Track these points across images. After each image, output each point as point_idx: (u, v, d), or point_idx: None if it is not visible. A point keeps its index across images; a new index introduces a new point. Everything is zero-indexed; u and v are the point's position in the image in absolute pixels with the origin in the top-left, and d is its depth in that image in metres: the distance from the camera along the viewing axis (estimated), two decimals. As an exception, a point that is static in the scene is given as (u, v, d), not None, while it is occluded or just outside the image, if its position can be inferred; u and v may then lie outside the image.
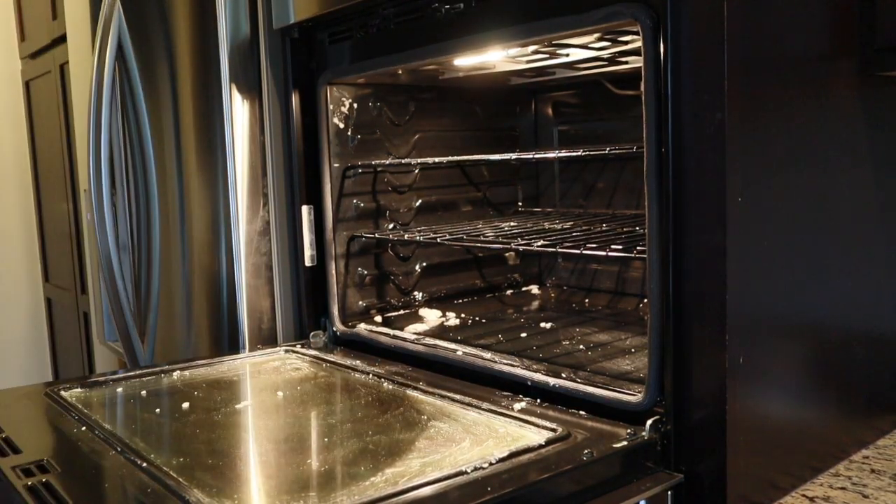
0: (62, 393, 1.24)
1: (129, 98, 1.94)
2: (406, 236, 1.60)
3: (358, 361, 1.42)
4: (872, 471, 1.07)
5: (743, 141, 0.92)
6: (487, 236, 1.49)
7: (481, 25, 1.19)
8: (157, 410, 1.25)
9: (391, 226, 1.70)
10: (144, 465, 0.94)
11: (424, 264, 1.76)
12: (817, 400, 1.10)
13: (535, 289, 1.95)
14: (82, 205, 2.37)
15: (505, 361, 1.25)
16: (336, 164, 1.59)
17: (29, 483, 0.90)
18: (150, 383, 1.35)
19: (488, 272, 1.89)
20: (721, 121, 0.90)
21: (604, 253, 1.19)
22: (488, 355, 1.29)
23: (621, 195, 1.78)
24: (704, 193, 0.93)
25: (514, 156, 1.67)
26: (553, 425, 1.03)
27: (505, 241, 1.40)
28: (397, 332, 1.49)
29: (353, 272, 1.64)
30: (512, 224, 1.70)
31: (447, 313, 1.68)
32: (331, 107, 1.56)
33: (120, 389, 1.31)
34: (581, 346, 1.38)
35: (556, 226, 1.61)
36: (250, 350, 1.56)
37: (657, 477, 0.98)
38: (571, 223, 1.64)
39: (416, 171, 1.74)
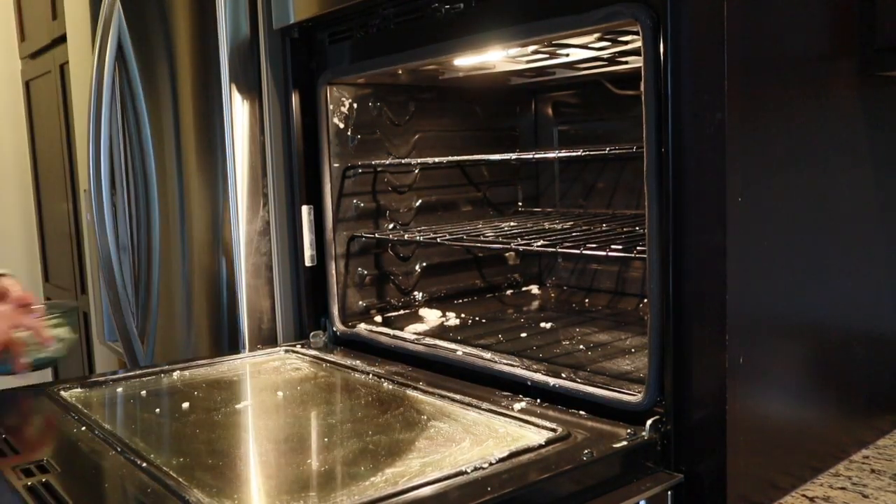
0: (62, 393, 1.24)
1: (129, 98, 1.94)
2: (406, 236, 1.60)
3: (358, 361, 1.42)
4: (872, 471, 1.07)
5: (743, 141, 0.92)
6: (487, 236, 1.49)
7: (481, 25, 1.19)
8: (157, 410, 1.25)
9: (391, 226, 1.70)
10: (144, 465, 0.94)
11: (424, 264, 1.76)
12: (817, 400, 1.10)
13: (535, 289, 1.94)
14: (82, 205, 2.37)
15: (505, 361, 1.25)
16: (336, 164, 1.59)
17: (29, 483, 0.90)
18: (150, 383, 1.35)
19: (488, 272, 1.89)
20: (721, 121, 0.90)
21: (604, 253, 1.19)
22: (488, 355, 1.29)
23: (621, 195, 1.78)
24: (704, 193, 0.93)
25: (514, 156, 1.67)
26: (553, 425, 1.03)
27: (505, 241, 1.40)
28: (397, 332, 1.49)
29: (353, 272, 1.64)
30: (512, 224, 1.70)
31: (447, 313, 1.68)
32: (331, 107, 1.56)
33: (120, 389, 1.31)
34: (581, 346, 1.38)
35: (556, 226, 1.61)
36: (250, 350, 1.56)
37: (657, 477, 0.98)
38: (571, 223, 1.64)
39: (416, 171, 1.74)
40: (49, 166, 3.08)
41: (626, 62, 1.44)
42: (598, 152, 1.37)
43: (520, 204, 1.97)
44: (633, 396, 1.04)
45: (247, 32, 1.57)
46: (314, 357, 1.47)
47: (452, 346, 1.36)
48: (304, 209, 1.57)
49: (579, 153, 1.42)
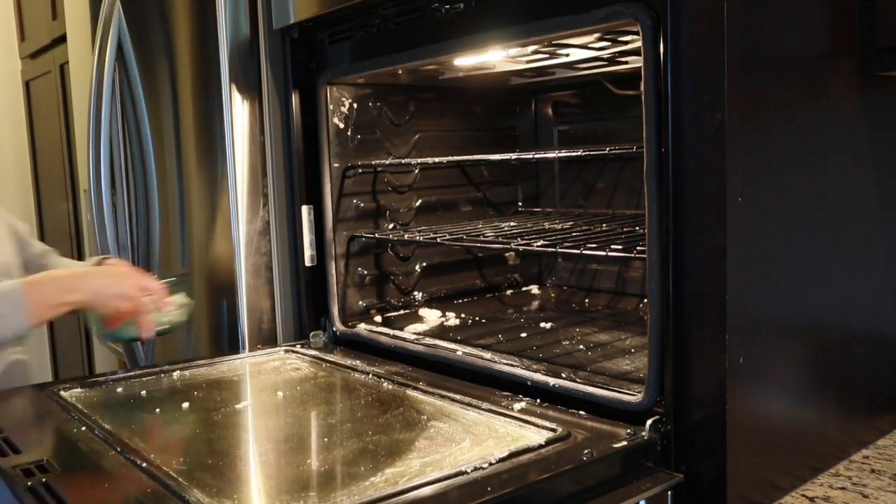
0: (62, 393, 1.24)
1: (129, 98, 1.94)
2: (406, 236, 1.60)
3: (358, 361, 1.42)
4: (872, 471, 1.07)
5: (743, 141, 0.92)
6: (487, 236, 1.49)
7: (481, 25, 1.19)
8: (157, 410, 1.25)
9: (391, 226, 1.70)
10: (144, 465, 0.94)
11: (424, 264, 1.76)
12: (817, 400, 1.10)
13: (535, 289, 1.94)
14: (82, 205, 2.37)
15: (505, 361, 1.25)
16: (336, 164, 1.59)
17: (29, 483, 0.90)
18: (150, 383, 1.35)
19: (488, 272, 1.89)
20: (721, 121, 0.90)
21: (604, 253, 1.19)
22: (488, 355, 1.29)
23: (621, 195, 1.78)
24: (704, 193, 0.93)
25: (514, 156, 1.67)
26: (553, 425, 1.03)
27: (505, 241, 1.40)
28: (397, 332, 1.49)
29: (353, 272, 1.64)
30: (512, 224, 1.70)
31: (447, 313, 1.68)
32: (331, 107, 1.56)
33: (120, 389, 1.31)
34: (581, 346, 1.38)
35: (556, 226, 1.61)
36: (250, 350, 1.56)
37: (657, 477, 0.97)
38: (571, 223, 1.64)
39: (416, 171, 1.74)
40: (49, 166, 3.08)
41: (626, 62, 1.44)
42: (598, 152, 1.37)
43: (520, 204, 1.97)
44: (633, 396, 1.04)
45: (247, 32, 1.57)
46: (314, 357, 1.47)
47: (452, 346, 1.36)
48: (304, 209, 1.57)
49: (579, 153, 1.42)
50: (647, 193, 0.98)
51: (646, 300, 1.06)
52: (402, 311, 1.70)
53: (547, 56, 1.38)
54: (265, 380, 1.38)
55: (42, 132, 3.13)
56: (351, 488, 0.90)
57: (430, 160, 1.68)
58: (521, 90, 1.91)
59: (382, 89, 1.66)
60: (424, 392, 1.22)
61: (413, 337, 1.45)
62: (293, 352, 1.51)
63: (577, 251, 1.24)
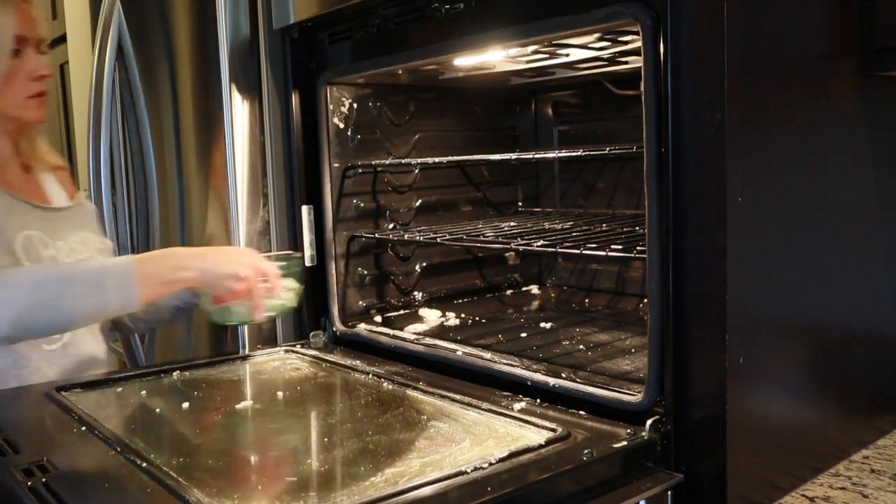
0: (62, 393, 1.24)
1: (129, 98, 1.94)
2: (406, 236, 1.60)
3: (358, 361, 1.42)
4: (872, 471, 1.07)
5: (743, 141, 0.92)
6: (487, 236, 1.49)
7: (481, 25, 1.19)
8: (157, 410, 1.25)
9: (391, 226, 1.70)
10: (144, 465, 0.94)
11: (424, 264, 1.76)
12: (817, 400, 1.10)
13: (535, 289, 1.94)
14: (82, 205, 2.37)
15: (505, 361, 1.25)
16: (336, 164, 1.59)
17: (29, 483, 0.90)
18: (150, 383, 1.35)
19: (488, 272, 1.89)
20: (721, 121, 0.90)
21: (604, 253, 1.19)
22: (488, 355, 1.29)
23: (621, 195, 1.78)
24: (704, 193, 0.93)
25: (514, 156, 1.67)
26: (553, 425, 1.03)
27: (505, 241, 1.40)
28: (397, 332, 1.49)
29: (353, 272, 1.64)
30: (512, 224, 1.70)
31: (447, 313, 1.68)
32: (331, 107, 1.56)
33: (120, 389, 1.31)
34: (581, 346, 1.38)
35: (556, 226, 1.61)
36: (250, 350, 1.56)
37: (657, 477, 0.97)
38: (571, 223, 1.64)
39: (416, 171, 1.74)
40: (49, 166, 3.07)
41: (626, 62, 1.44)
42: (598, 152, 1.37)
43: (520, 204, 1.97)
44: (633, 396, 1.04)
45: (247, 32, 1.57)
46: (314, 357, 1.47)
47: (452, 346, 1.36)
48: (304, 209, 1.57)
49: (579, 153, 1.42)
50: (647, 193, 0.98)
51: (646, 300, 1.06)
52: (402, 311, 1.70)
53: (547, 56, 1.38)
54: (265, 380, 1.38)
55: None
56: (351, 488, 0.90)
57: (430, 160, 1.68)
58: (521, 90, 1.91)
59: (382, 89, 1.66)
60: (424, 392, 1.22)
61: (413, 337, 1.45)
62: (293, 352, 1.51)
63: (577, 251, 1.24)
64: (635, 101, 0.99)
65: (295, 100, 1.56)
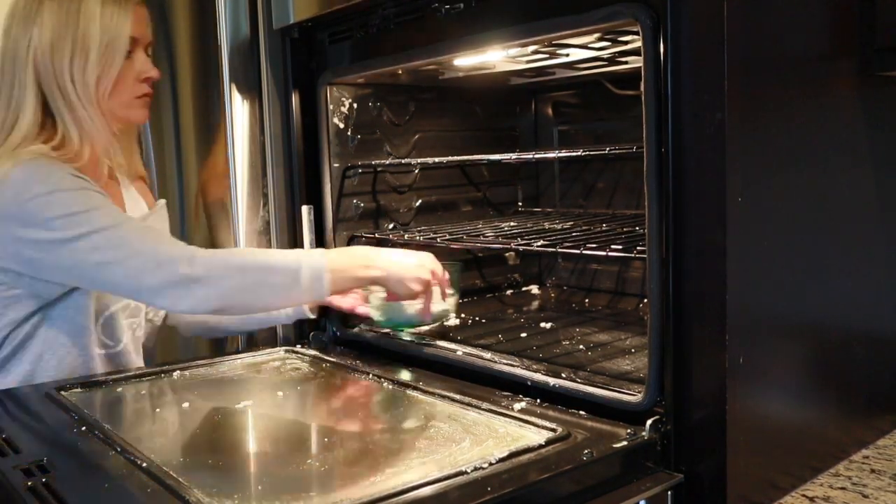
0: (62, 393, 1.24)
1: (129, 98, 1.94)
2: (406, 236, 1.60)
3: (358, 361, 1.42)
4: (872, 471, 1.07)
5: (743, 141, 0.92)
6: (487, 236, 1.49)
7: (481, 25, 1.19)
8: (157, 411, 1.25)
9: (391, 226, 1.70)
10: (144, 465, 0.94)
11: (424, 264, 1.76)
12: (817, 400, 1.10)
13: (535, 289, 1.95)
14: (82, 205, 2.37)
15: (505, 361, 1.25)
16: (336, 164, 1.59)
17: (29, 483, 0.90)
18: (150, 383, 1.35)
19: (488, 272, 1.89)
20: (721, 121, 0.90)
21: (604, 253, 1.19)
22: (488, 355, 1.29)
23: (621, 195, 1.78)
24: (704, 193, 0.93)
25: (514, 156, 1.67)
26: (553, 425, 1.03)
27: (505, 241, 1.40)
28: (397, 332, 1.49)
29: (353, 272, 1.64)
30: (512, 224, 1.70)
31: (447, 313, 1.68)
32: (331, 107, 1.56)
33: (120, 389, 1.31)
34: (581, 346, 1.38)
35: (556, 226, 1.61)
36: (250, 350, 1.56)
37: (657, 477, 0.97)
38: (571, 223, 1.64)
39: (416, 171, 1.74)
40: (49, 166, 3.07)
41: (626, 62, 1.44)
42: (598, 152, 1.37)
43: (520, 204, 1.97)
44: (633, 396, 1.04)
45: (247, 32, 1.57)
46: (314, 357, 1.47)
47: (452, 346, 1.36)
48: (304, 209, 1.57)
49: (579, 153, 1.42)
50: (647, 193, 0.98)
51: (646, 300, 1.06)
52: (402, 311, 1.70)
53: (547, 56, 1.38)
54: (265, 380, 1.38)
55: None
56: (351, 488, 0.90)
57: (430, 160, 1.68)
58: (521, 90, 1.91)
59: (382, 89, 1.66)
60: (424, 392, 1.22)
61: (413, 337, 1.45)
62: (293, 352, 1.51)
63: (577, 251, 1.24)
64: (635, 101, 0.99)
65: (295, 100, 1.56)
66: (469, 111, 1.84)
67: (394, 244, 1.69)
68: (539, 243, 1.33)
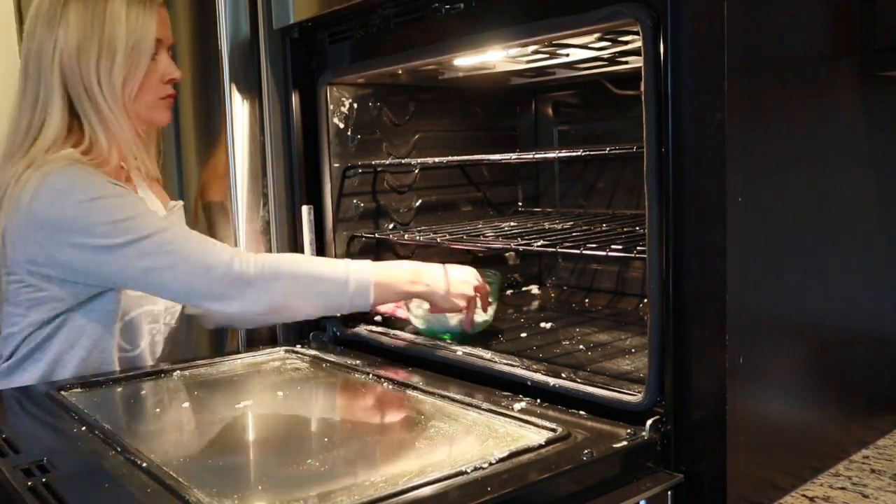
0: (62, 393, 1.24)
1: (129, 98, 1.94)
2: (406, 236, 1.60)
3: (358, 361, 1.41)
4: (872, 471, 1.07)
5: (743, 141, 0.92)
6: (487, 236, 1.49)
7: (481, 25, 1.19)
8: (157, 410, 1.25)
9: (391, 226, 1.70)
10: (144, 465, 0.94)
11: (424, 264, 1.76)
12: (817, 400, 1.10)
13: (535, 289, 1.94)
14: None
15: (505, 361, 1.25)
16: (336, 164, 1.59)
17: (29, 483, 0.90)
18: (150, 383, 1.35)
19: (488, 272, 1.89)
20: (721, 121, 0.90)
21: (604, 253, 1.19)
22: (488, 355, 1.29)
23: (621, 195, 1.78)
24: (704, 193, 0.93)
25: (514, 156, 1.67)
26: (553, 425, 1.03)
27: (505, 241, 1.40)
28: (397, 332, 1.49)
29: (353, 272, 1.64)
30: (512, 224, 1.70)
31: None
32: (331, 107, 1.56)
33: (120, 389, 1.31)
34: (581, 346, 1.38)
35: (556, 226, 1.61)
36: (250, 350, 1.56)
37: (657, 477, 0.97)
38: (571, 223, 1.64)
39: (416, 171, 1.74)
40: (49, 166, 3.07)
41: (626, 62, 1.44)
42: (598, 152, 1.37)
43: (520, 204, 1.97)
44: (633, 396, 1.04)
45: (247, 32, 1.57)
46: (314, 357, 1.47)
47: (452, 345, 1.36)
48: (304, 209, 1.57)
49: (579, 153, 1.42)
50: (647, 193, 0.98)
51: (646, 300, 1.06)
52: (402, 311, 1.70)
53: (547, 56, 1.38)
54: (265, 380, 1.38)
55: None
56: (351, 488, 0.90)
57: (430, 160, 1.68)
58: (521, 90, 1.91)
59: (382, 89, 1.66)
60: (424, 392, 1.22)
61: (413, 337, 1.45)
62: (293, 352, 1.51)
63: (577, 251, 1.24)
64: (635, 101, 0.99)
65: (295, 100, 1.56)
66: (469, 111, 1.84)
67: (393, 244, 1.69)
68: (539, 243, 1.33)
